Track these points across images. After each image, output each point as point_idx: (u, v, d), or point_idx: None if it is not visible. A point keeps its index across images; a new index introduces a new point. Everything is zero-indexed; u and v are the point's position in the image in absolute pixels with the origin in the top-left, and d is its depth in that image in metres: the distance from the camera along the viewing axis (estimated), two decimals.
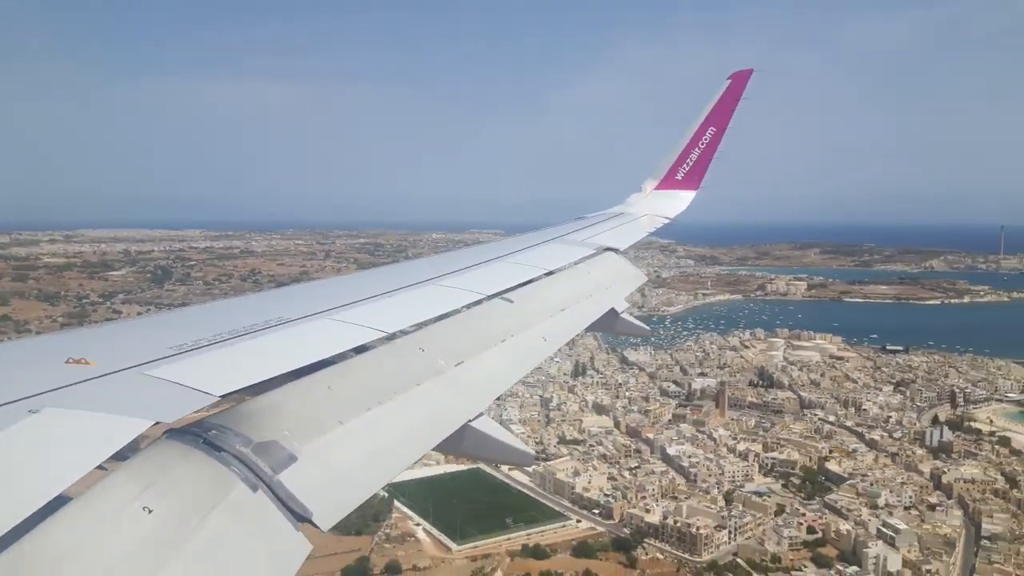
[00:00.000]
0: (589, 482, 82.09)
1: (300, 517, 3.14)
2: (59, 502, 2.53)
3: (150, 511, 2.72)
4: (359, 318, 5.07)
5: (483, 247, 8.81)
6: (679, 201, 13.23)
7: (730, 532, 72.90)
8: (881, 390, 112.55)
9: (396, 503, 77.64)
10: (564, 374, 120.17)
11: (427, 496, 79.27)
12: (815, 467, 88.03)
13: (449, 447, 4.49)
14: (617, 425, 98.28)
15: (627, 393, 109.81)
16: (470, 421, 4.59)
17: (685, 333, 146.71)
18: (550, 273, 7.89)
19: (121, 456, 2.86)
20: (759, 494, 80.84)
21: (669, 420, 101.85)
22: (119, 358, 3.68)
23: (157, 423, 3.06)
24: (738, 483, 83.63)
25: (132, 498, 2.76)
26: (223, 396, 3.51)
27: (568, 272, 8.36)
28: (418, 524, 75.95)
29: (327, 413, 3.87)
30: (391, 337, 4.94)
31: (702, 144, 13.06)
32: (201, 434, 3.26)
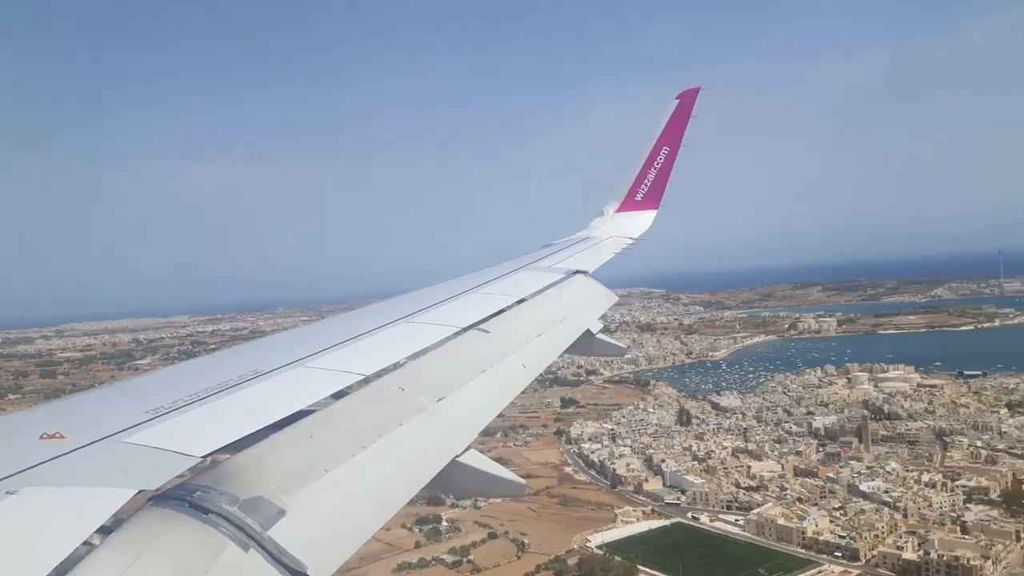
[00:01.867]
0: (816, 525, 78.72)
1: (295, 572, 3.12)
2: None
3: None
4: (335, 363, 5.11)
5: (454, 281, 8.83)
6: (641, 221, 13.52)
7: (993, 561, 69.96)
8: (998, 412, 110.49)
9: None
10: (659, 424, 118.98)
11: (659, 553, 76.12)
12: (1012, 490, 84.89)
13: (438, 485, 4.44)
14: (784, 468, 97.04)
15: (756, 437, 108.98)
16: (457, 456, 4.57)
17: (751, 376, 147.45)
18: (522, 301, 7.96)
19: (106, 529, 2.87)
20: (989, 521, 77.23)
21: (820, 459, 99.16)
22: (95, 428, 3.67)
23: (140, 491, 3.06)
24: (956, 512, 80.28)
25: (122, 571, 2.73)
26: (204, 456, 3.51)
27: (540, 298, 8.42)
28: None
29: (312, 463, 3.85)
30: (369, 379, 4.97)
31: (657, 164, 13.43)
32: (186, 497, 3.23)
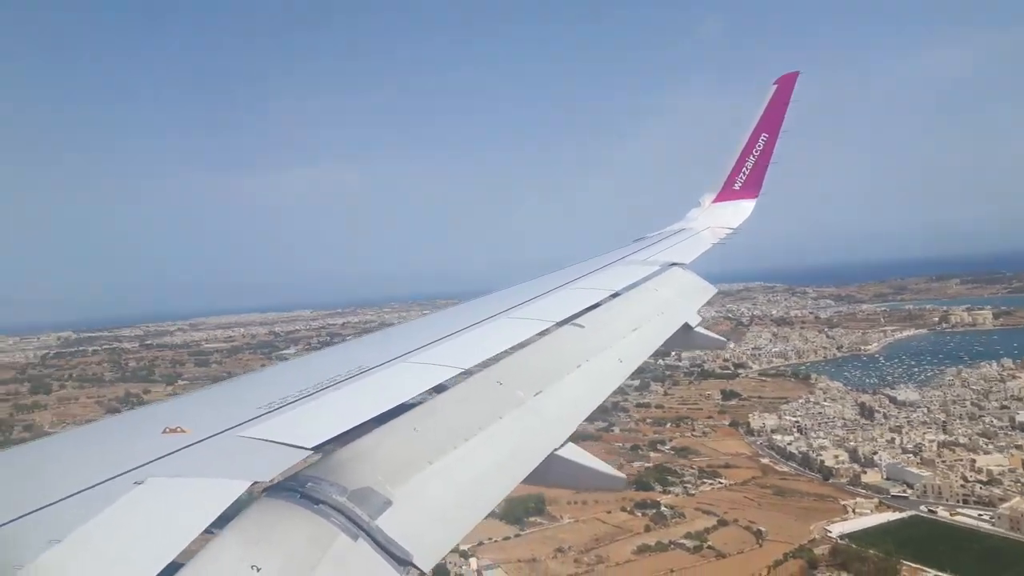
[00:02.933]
0: None
1: (402, 561, 3.19)
2: (172, 568, 2.65)
3: (259, 569, 2.83)
4: (436, 358, 5.26)
5: (549, 276, 8.64)
6: (740, 210, 13.02)
7: None
8: None
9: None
10: (839, 417, 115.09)
11: (909, 545, 72.65)
12: None
13: (538, 477, 4.44)
14: (1010, 462, 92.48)
15: (957, 431, 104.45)
16: (556, 450, 4.58)
17: (915, 369, 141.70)
18: (616, 294, 7.75)
19: (225, 518, 2.97)
20: None
21: None
22: (212, 423, 3.84)
23: (256, 483, 3.20)
24: None
25: (241, 559, 2.87)
26: (315, 448, 3.62)
27: (636, 291, 8.20)
28: None
29: (416, 455, 3.92)
30: (468, 373, 5.05)
31: (756, 151, 12.98)
32: (298, 488, 3.32)
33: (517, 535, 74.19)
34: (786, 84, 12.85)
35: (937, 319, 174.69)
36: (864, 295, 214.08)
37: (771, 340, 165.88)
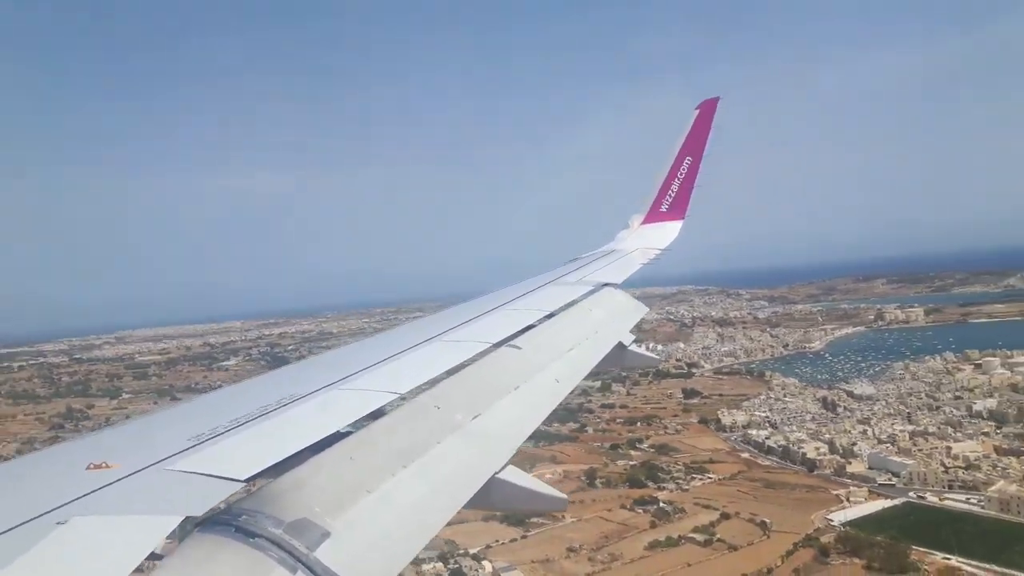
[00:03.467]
0: None
1: None
2: None
3: None
4: (370, 384, 5.18)
5: (482, 299, 8.76)
6: (667, 232, 13.49)
7: None
8: None
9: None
10: (804, 411, 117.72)
11: (911, 530, 73.80)
12: None
13: (479, 501, 4.40)
14: (982, 447, 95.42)
15: (923, 421, 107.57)
16: (496, 473, 4.54)
17: (863, 365, 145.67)
18: (551, 315, 7.86)
19: (156, 556, 2.90)
20: None
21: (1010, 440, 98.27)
22: (140, 456, 3.68)
23: (187, 517, 3.06)
24: None
25: None
26: (248, 480, 3.51)
27: (570, 311, 8.31)
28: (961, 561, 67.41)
29: (353, 483, 3.84)
30: (405, 398, 5.02)
31: (680, 174, 13.52)
32: (232, 522, 3.20)
33: (524, 536, 72.44)
34: (707, 109, 13.18)
35: (872, 317, 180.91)
36: (796, 296, 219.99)
37: (718, 340, 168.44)
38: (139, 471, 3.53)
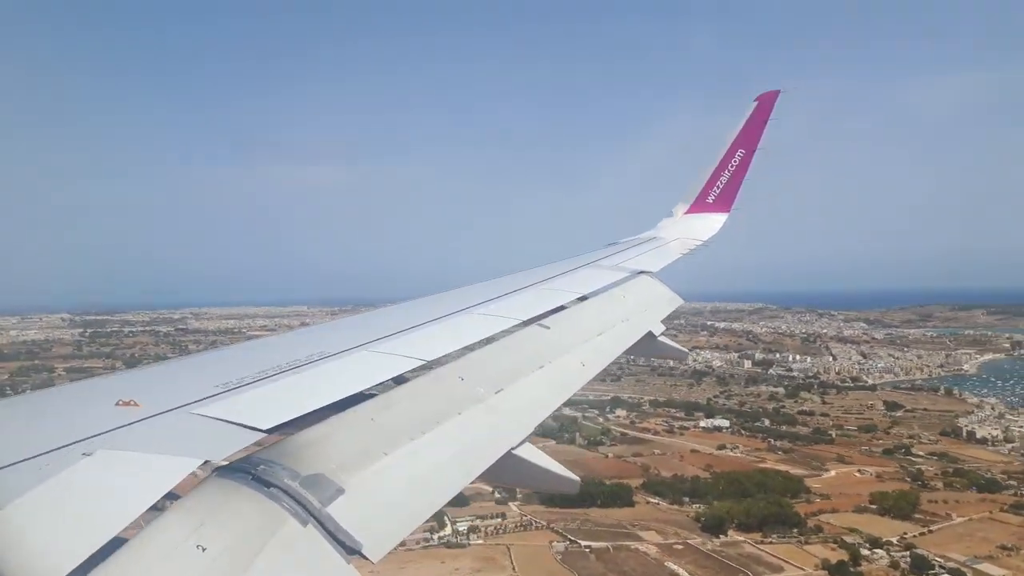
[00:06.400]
0: None
1: (350, 550, 3.14)
2: (116, 543, 2.60)
3: (204, 549, 2.77)
4: (399, 348, 5.17)
5: (516, 276, 8.74)
6: (711, 224, 13.19)
7: None
8: None
9: None
10: None
11: None
12: None
13: (493, 475, 4.38)
14: None
15: None
16: (513, 449, 4.52)
17: None
18: (584, 298, 7.84)
19: (173, 495, 2.94)
20: None
21: None
22: (167, 399, 3.76)
23: (207, 461, 3.16)
24: None
25: (186, 537, 2.80)
26: (269, 431, 3.58)
27: (603, 296, 8.30)
28: None
29: (372, 444, 3.86)
30: (430, 366, 4.99)
31: (731, 167, 13.12)
32: (250, 470, 3.24)
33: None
34: (766, 101, 12.75)
35: (1008, 345, 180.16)
36: (892, 320, 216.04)
37: (863, 357, 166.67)
38: (165, 412, 3.59)
